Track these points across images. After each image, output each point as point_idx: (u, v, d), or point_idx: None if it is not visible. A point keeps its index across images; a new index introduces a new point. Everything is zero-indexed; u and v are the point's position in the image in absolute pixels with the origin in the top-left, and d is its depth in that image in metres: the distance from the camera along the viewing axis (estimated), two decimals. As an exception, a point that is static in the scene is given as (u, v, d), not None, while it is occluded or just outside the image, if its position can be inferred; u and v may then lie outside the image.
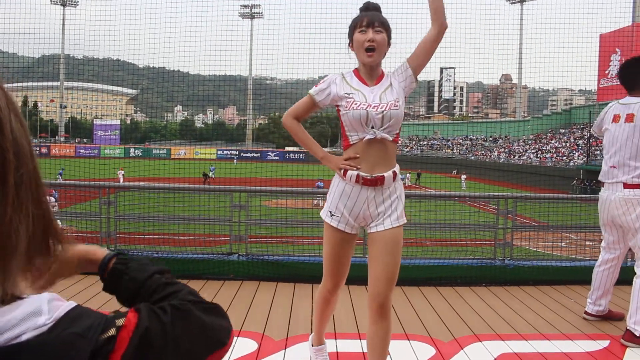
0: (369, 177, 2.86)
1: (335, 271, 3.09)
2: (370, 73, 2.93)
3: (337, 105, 2.91)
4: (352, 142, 2.89)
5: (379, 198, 2.91)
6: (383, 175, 2.87)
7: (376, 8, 2.95)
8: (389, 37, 2.91)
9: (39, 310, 0.70)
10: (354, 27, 2.88)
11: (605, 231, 4.58)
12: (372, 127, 2.82)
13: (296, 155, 75.85)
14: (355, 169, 2.85)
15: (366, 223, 2.97)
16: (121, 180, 34.69)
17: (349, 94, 2.86)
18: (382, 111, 2.81)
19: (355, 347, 3.93)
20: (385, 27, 2.86)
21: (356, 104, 2.82)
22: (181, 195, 7.70)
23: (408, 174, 41.33)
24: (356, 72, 2.96)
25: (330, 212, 2.97)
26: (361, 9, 2.97)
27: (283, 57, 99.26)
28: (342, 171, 2.88)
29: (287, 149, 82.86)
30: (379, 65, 2.94)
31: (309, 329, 4.10)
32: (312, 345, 3.60)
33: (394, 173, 2.91)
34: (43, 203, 0.76)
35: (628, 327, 4.10)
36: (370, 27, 2.82)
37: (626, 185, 4.21)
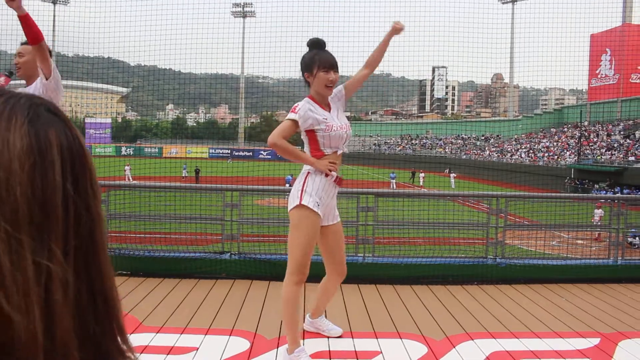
0: (341, 177, 3.68)
1: (308, 261, 3.56)
2: (324, 100, 3.67)
3: (312, 128, 3.55)
4: (326, 154, 3.61)
5: (335, 196, 3.76)
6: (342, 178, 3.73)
7: (325, 44, 3.68)
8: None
9: None
10: (318, 65, 3.55)
11: None
12: (342, 144, 3.66)
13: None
14: (336, 170, 3.62)
15: (326, 214, 3.68)
16: (128, 176, 34.47)
17: (326, 119, 3.58)
18: (347, 132, 3.67)
19: (348, 345, 3.94)
20: (338, 68, 3.63)
21: (335, 127, 3.58)
22: (173, 194, 7.67)
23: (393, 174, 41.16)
24: (313, 99, 3.63)
25: (317, 202, 3.54)
26: (313, 45, 3.65)
27: (275, 56, 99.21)
28: (329, 172, 3.57)
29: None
30: None
31: (300, 328, 4.09)
32: (291, 353, 3.58)
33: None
34: None
35: None
36: (331, 69, 3.56)
37: None
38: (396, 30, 3.89)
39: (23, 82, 4.26)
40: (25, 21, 3.54)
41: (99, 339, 0.63)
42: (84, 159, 0.63)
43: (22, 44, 4.14)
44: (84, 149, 0.64)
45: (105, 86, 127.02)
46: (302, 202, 3.51)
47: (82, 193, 0.61)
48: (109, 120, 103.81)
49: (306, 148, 3.68)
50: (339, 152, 3.66)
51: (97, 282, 0.63)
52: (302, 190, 3.55)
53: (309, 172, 3.61)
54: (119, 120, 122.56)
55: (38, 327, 0.55)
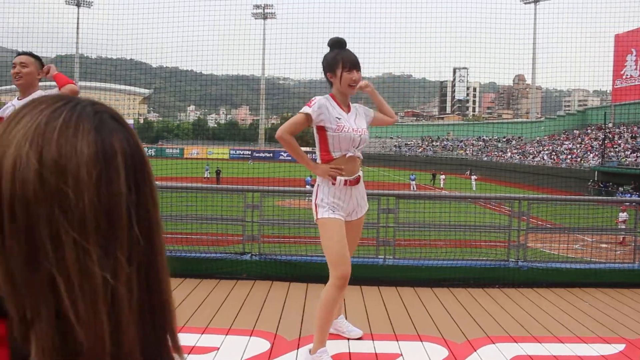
0: (352, 179, 3.63)
1: (345, 256, 3.55)
2: (344, 101, 3.68)
3: (322, 125, 3.54)
4: (334, 157, 3.60)
5: (358, 193, 3.73)
6: (359, 175, 3.70)
7: (346, 43, 3.68)
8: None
9: None
10: (342, 65, 3.56)
11: None
12: (353, 147, 3.61)
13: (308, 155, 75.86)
14: (340, 175, 3.56)
15: (350, 212, 3.71)
16: None
17: (339, 118, 3.56)
18: (361, 135, 3.63)
19: (368, 347, 3.93)
20: (360, 67, 3.65)
21: (346, 128, 3.55)
22: (194, 194, 7.73)
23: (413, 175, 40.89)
24: (333, 97, 3.64)
25: (332, 210, 3.58)
26: (334, 45, 3.65)
27: (296, 57, 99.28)
28: (331, 179, 3.57)
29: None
30: None
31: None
32: (313, 353, 3.58)
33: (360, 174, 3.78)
34: None
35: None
36: (354, 68, 3.58)
37: None
38: (363, 89, 3.81)
39: (16, 92, 4.20)
40: (57, 79, 4.10)
41: (154, 343, 0.63)
42: (144, 166, 0.64)
43: (21, 53, 4.15)
44: (144, 156, 0.64)
45: (127, 87, 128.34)
46: (319, 217, 3.61)
47: (143, 200, 0.61)
48: (131, 122, 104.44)
49: (317, 152, 3.68)
50: (348, 155, 3.61)
51: (155, 287, 0.63)
52: (315, 205, 3.64)
53: (318, 185, 3.67)
54: (141, 121, 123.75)
55: (105, 332, 0.56)
